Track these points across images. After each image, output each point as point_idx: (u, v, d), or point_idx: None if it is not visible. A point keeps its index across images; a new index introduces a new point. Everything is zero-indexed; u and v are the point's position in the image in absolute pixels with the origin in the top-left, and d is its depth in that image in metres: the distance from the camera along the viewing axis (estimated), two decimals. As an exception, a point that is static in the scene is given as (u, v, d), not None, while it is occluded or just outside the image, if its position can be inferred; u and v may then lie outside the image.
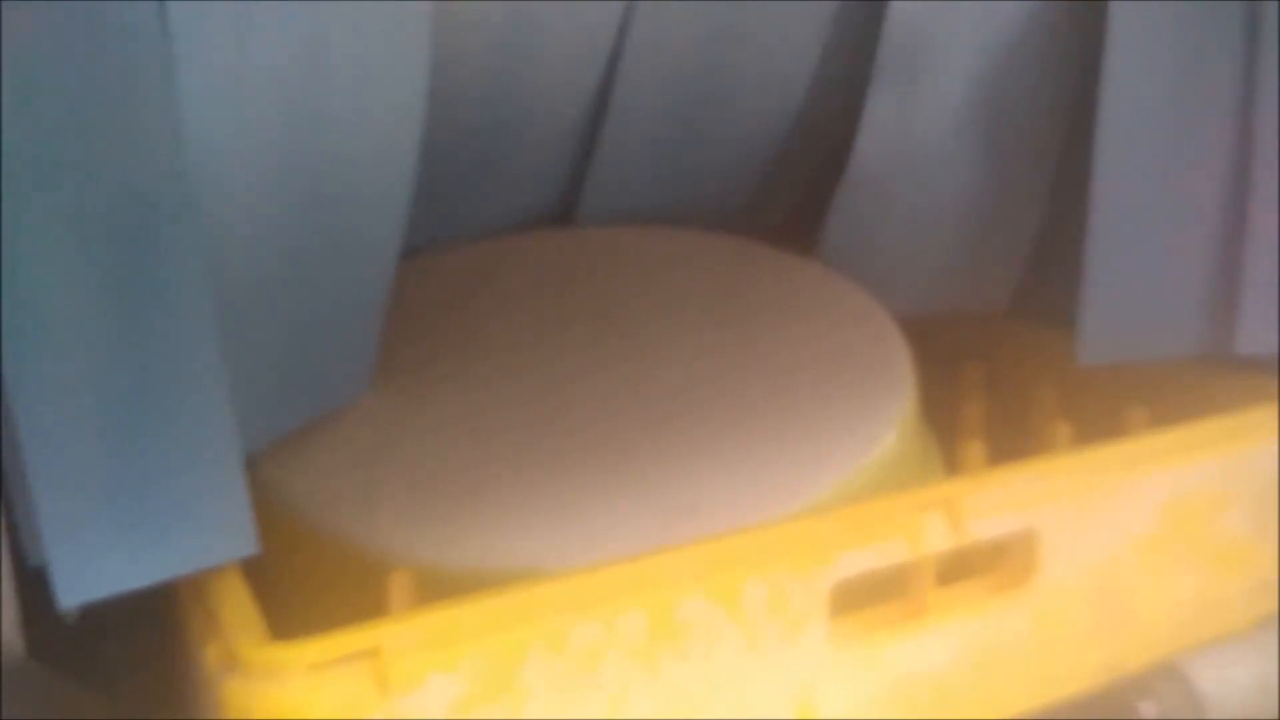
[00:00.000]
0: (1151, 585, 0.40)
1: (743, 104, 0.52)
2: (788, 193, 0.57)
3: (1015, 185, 0.52)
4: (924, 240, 0.51)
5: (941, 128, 0.50)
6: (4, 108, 0.25)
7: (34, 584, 0.29)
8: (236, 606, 0.29)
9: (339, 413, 0.40)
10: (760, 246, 0.50)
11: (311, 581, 0.36)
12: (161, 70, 0.28)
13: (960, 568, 0.37)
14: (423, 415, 0.41)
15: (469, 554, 0.35)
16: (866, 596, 0.35)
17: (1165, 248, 0.47)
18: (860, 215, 0.50)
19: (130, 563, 0.29)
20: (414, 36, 0.35)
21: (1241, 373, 0.49)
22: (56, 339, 0.27)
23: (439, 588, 0.31)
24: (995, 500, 0.35)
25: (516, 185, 0.53)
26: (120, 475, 0.28)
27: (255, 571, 0.31)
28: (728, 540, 0.32)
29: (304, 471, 0.38)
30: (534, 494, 0.37)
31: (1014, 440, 0.44)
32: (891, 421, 0.38)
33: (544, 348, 0.44)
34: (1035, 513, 0.35)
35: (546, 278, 0.49)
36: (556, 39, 0.48)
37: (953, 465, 0.42)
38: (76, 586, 0.28)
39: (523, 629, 0.28)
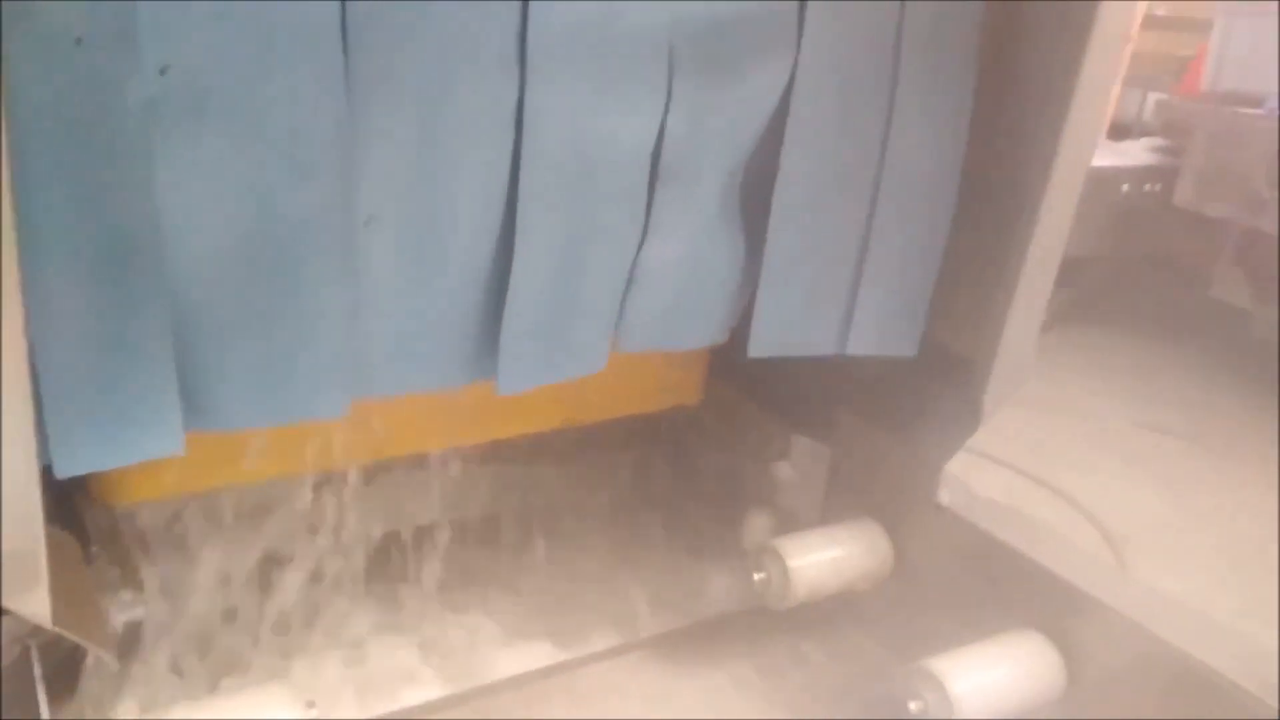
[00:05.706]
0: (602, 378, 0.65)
1: None
2: None
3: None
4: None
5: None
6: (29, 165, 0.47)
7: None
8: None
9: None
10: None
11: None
12: (141, 146, 0.47)
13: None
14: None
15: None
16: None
17: (815, 273, 0.64)
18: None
19: (99, 452, 0.52)
20: None
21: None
22: (62, 307, 0.48)
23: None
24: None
25: None
26: (96, 401, 0.49)
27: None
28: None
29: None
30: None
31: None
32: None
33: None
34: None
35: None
36: None
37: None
38: (66, 465, 0.53)
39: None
